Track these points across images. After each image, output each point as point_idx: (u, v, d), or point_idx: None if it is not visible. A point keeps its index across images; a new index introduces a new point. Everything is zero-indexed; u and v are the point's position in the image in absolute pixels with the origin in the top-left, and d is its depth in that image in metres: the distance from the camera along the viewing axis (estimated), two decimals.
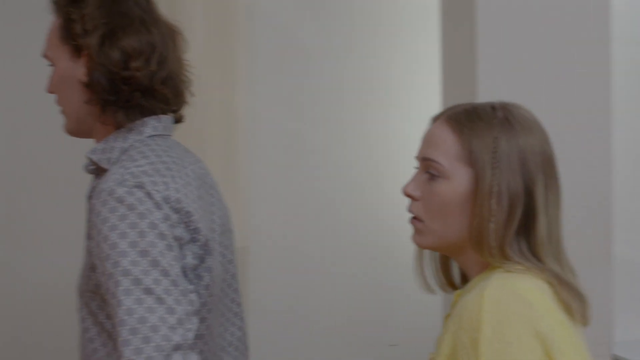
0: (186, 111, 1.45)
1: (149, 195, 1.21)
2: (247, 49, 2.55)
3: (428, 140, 1.20)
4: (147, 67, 1.31)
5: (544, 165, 1.14)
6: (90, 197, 1.36)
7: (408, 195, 1.20)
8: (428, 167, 1.17)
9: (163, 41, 1.36)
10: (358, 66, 2.81)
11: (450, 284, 1.28)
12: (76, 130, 1.41)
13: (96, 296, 1.28)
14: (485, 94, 1.89)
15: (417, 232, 1.20)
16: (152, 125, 1.35)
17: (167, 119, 1.39)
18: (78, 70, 1.33)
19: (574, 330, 1.12)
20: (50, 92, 1.41)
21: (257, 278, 2.65)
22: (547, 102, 1.90)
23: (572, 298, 1.12)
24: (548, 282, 1.11)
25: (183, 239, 1.25)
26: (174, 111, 1.42)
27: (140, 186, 1.22)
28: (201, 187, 1.36)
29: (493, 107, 1.17)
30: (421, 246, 1.22)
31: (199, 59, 2.38)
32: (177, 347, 1.14)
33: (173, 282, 1.18)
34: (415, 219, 1.20)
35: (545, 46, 1.97)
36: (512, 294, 1.06)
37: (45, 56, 1.40)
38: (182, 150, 1.40)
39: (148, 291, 1.15)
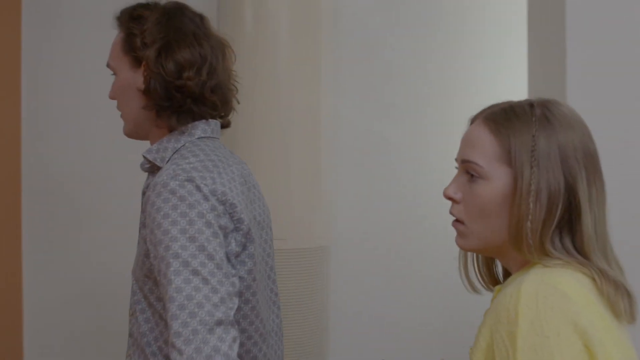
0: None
1: (198, 188, 1.35)
2: (332, 51, 2.55)
3: (466, 141, 1.20)
4: (198, 76, 1.46)
5: (586, 161, 1.13)
6: (144, 192, 1.51)
7: (449, 198, 1.20)
8: (467, 169, 1.17)
9: (213, 53, 1.51)
10: (442, 67, 2.79)
11: (492, 282, 1.27)
12: (134, 133, 1.57)
13: (149, 280, 1.42)
14: (575, 94, 1.85)
15: (460, 235, 1.20)
16: (202, 128, 1.50)
17: (215, 123, 1.54)
18: (137, 79, 1.49)
19: (616, 325, 1.10)
20: (112, 98, 1.57)
21: (338, 278, 2.67)
22: (637, 102, 1.87)
23: (618, 294, 1.10)
24: (591, 276, 1.10)
25: (227, 228, 1.38)
26: (222, 117, 1.56)
27: (190, 180, 1.36)
28: (244, 184, 1.49)
29: (531, 105, 1.16)
30: (464, 249, 1.22)
31: (284, 61, 2.40)
32: (219, 323, 1.27)
33: (217, 265, 1.32)
34: (457, 222, 1.20)
35: (636, 45, 1.91)
36: (549, 287, 1.05)
37: (109, 66, 1.56)
38: (227, 151, 1.54)
39: (195, 272, 1.29)
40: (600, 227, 1.13)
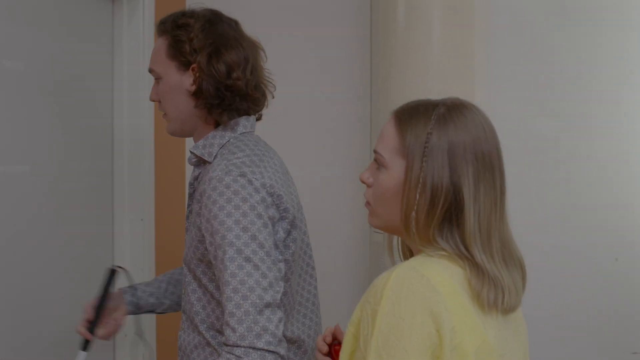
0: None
1: (250, 182, 1.53)
2: (485, 45, 2.51)
3: (380, 134, 1.31)
4: (244, 76, 1.64)
5: (476, 162, 1.21)
6: (192, 183, 1.71)
7: (363, 182, 1.33)
8: (375, 158, 1.30)
9: (252, 54, 1.70)
10: (603, 61, 2.65)
11: None
12: (180, 131, 1.72)
13: (202, 263, 1.59)
14: None
15: (369, 215, 1.34)
16: (243, 124, 1.69)
17: (252, 118, 1.73)
18: (185, 81, 1.65)
19: (479, 315, 1.19)
20: (155, 100, 1.73)
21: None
22: None
23: (484, 286, 1.19)
24: (464, 268, 1.20)
25: (275, 218, 1.56)
26: (259, 111, 1.75)
27: (242, 175, 1.53)
28: (285, 174, 1.68)
29: (436, 104, 1.26)
30: (372, 226, 1.34)
31: (436, 57, 2.41)
32: (268, 305, 1.46)
33: (267, 253, 1.49)
34: (367, 203, 1.33)
35: None
36: (417, 275, 1.15)
37: (152, 70, 1.71)
38: (265, 144, 1.72)
39: (247, 259, 1.47)
40: (486, 223, 1.21)
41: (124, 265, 2.27)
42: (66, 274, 2.25)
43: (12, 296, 2.00)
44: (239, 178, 1.52)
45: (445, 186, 1.20)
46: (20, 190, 2.08)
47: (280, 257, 1.57)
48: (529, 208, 2.65)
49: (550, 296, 2.63)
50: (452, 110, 1.25)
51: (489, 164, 1.24)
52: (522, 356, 1.32)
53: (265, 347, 1.44)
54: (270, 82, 1.76)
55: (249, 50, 1.69)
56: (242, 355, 1.43)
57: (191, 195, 1.72)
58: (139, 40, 2.59)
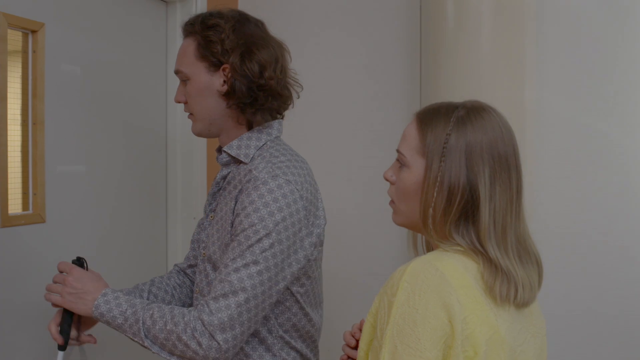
0: None
1: (292, 192, 1.57)
2: (536, 42, 2.47)
3: (402, 134, 1.37)
4: (275, 75, 1.66)
5: (493, 161, 1.27)
6: (219, 182, 1.74)
7: (386, 179, 1.39)
8: (398, 157, 1.36)
9: (280, 53, 1.71)
10: None
11: None
12: (207, 131, 1.72)
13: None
14: None
15: (393, 213, 1.40)
16: (277, 127, 1.73)
17: (281, 122, 1.75)
18: (215, 81, 1.66)
19: (492, 308, 1.24)
20: (181, 101, 1.72)
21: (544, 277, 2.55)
22: None
23: (497, 280, 1.24)
24: (478, 263, 1.25)
25: (308, 228, 1.62)
26: (286, 109, 1.77)
27: (288, 182, 1.57)
28: (313, 185, 1.70)
29: (456, 107, 1.32)
30: (395, 223, 1.40)
31: (486, 55, 2.40)
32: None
33: (276, 264, 1.55)
34: (391, 201, 1.40)
35: None
36: (432, 268, 1.20)
37: (179, 72, 1.70)
38: (292, 149, 1.75)
39: (255, 263, 1.53)
40: (501, 220, 1.27)
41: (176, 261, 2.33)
42: (122, 271, 2.32)
43: None
44: (283, 185, 1.56)
45: (462, 185, 1.25)
46: (77, 190, 2.14)
47: (295, 271, 1.62)
48: (577, 205, 2.62)
49: (614, 296, 2.59)
50: (471, 113, 1.31)
51: (505, 165, 1.29)
52: (539, 351, 1.35)
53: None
54: (296, 82, 1.78)
55: (277, 50, 1.71)
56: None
57: (214, 194, 1.75)
58: None
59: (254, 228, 1.53)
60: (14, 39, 1.92)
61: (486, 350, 1.21)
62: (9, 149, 1.89)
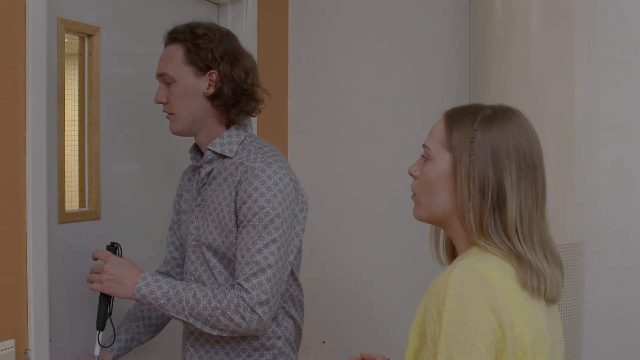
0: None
1: (285, 175, 1.78)
2: (586, 37, 2.44)
3: (429, 131, 1.40)
4: (255, 81, 1.88)
5: (518, 158, 1.30)
6: (204, 179, 1.88)
7: (410, 174, 1.41)
8: (424, 152, 1.39)
9: (254, 63, 1.91)
10: None
11: (451, 260, 1.44)
12: (187, 130, 1.87)
13: (233, 247, 1.80)
14: None
15: (414, 207, 1.42)
16: (250, 124, 1.94)
17: (251, 120, 1.96)
18: (201, 85, 1.83)
19: (532, 307, 1.26)
20: (162, 102, 1.86)
21: (592, 276, 2.57)
22: None
23: (528, 273, 1.27)
24: (512, 264, 1.27)
25: (300, 207, 1.85)
26: (258, 111, 1.95)
27: (280, 167, 1.78)
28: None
29: (484, 107, 1.36)
30: (416, 217, 1.41)
31: (536, 51, 2.36)
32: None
33: (290, 235, 1.79)
34: (413, 195, 1.42)
35: None
36: (475, 274, 1.22)
37: (165, 74, 1.84)
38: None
39: (274, 241, 1.73)
40: (527, 216, 1.29)
41: None
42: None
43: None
44: (277, 169, 1.77)
45: (490, 179, 1.28)
46: (130, 188, 2.22)
47: (299, 244, 1.86)
48: (626, 204, 2.58)
49: None
50: (497, 113, 1.34)
51: (530, 163, 1.31)
52: (561, 351, 1.37)
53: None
54: (264, 90, 1.95)
55: (253, 60, 1.92)
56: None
57: (199, 190, 1.89)
58: (242, 43, 2.66)
59: (264, 210, 1.73)
60: (71, 42, 2.00)
61: (533, 351, 1.23)
62: (67, 148, 1.97)
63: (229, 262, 1.83)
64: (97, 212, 2.06)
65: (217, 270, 1.84)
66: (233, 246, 1.80)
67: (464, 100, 2.81)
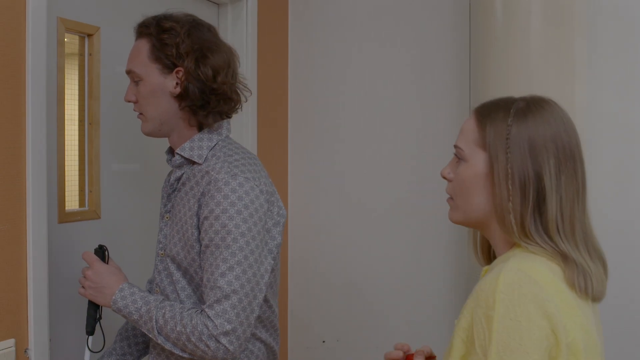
0: None
1: (252, 188, 1.61)
2: (586, 38, 2.44)
3: (460, 130, 1.35)
4: (227, 80, 1.69)
5: (557, 152, 1.24)
6: (173, 184, 1.74)
7: (444, 177, 1.36)
8: (456, 153, 1.33)
9: (231, 58, 1.73)
10: None
11: (487, 262, 1.40)
12: (157, 131, 1.73)
13: (195, 262, 1.65)
14: None
15: (450, 209, 1.36)
16: (226, 127, 1.76)
17: (229, 121, 1.77)
18: (168, 83, 1.68)
19: (581, 308, 1.21)
20: (131, 100, 1.74)
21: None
22: None
23: (574, 272, 1.22)
24: (559, 264, 1.22)
25: (272, 221, 1.69)
26: (234, 112, 1.78)
27: (247, 180, 1.61)
28: (268, 177, 1.74)
29: (515, 100, 1.30)
30: (452, 221, 1.36)
31: (536, 51, 2.36)
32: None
33: (256, 259, 1.60)
34: (450, 198, 1.36)
35: None
36: (524, 276, 1.16)
37: (132, 72, 1.72)
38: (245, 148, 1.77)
39: (239, 264, 1.57)
40: (568, 212, 1.24)
41: None
42: None
43: None
44: (244, 182, 1.60)
45: (530, 176, 1.22)
46: (130, 188, 2.22)
47: (272, 262, 1.69)
48: (627, 204, 2.58)
49: None
50: (531, 104, 1.28)
51: (570, 155, 1.25)
52: (602, 350, 1.31)
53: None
54: (245, 87, 1.79)
55: (229, 55, 1.73)
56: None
57: (169, 196, 1.77)
58: (242, 43, 2.70)
59: (226, 229, 1.57)
60: (71, 42, 2.00)
61: (586, 357, 1.19)
62: (67, 148, 1.97)
63: (191, 278, 1.70)
64: (97, 212, 2.06)
65: (180, 285, 1.71)
66: (195, 262, 1.66)
67: (464, 100, 2.83)
